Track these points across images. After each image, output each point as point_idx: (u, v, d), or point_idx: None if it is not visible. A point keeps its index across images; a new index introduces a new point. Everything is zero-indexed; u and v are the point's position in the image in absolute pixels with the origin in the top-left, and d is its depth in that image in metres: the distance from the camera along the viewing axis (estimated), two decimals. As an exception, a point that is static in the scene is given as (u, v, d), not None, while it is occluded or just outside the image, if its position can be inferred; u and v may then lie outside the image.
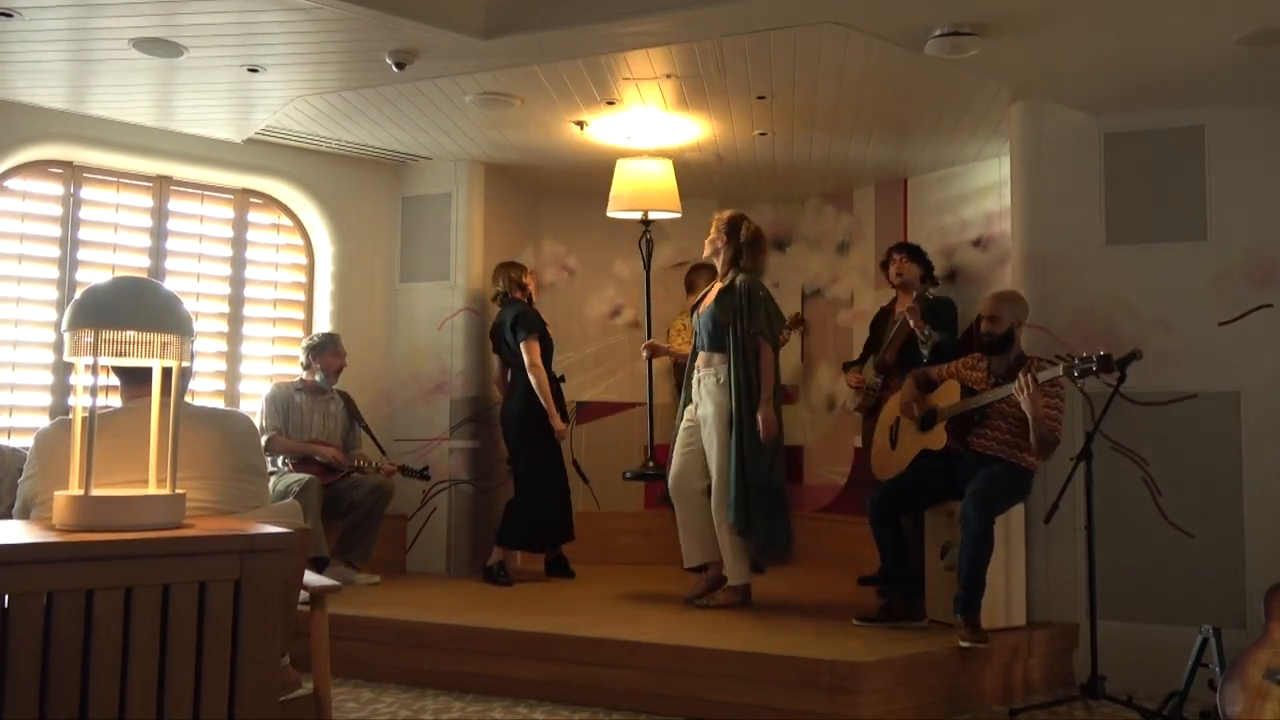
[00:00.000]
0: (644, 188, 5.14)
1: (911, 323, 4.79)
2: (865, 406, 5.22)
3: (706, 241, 4.68)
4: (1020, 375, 3.75)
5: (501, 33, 3.77)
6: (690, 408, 4.66)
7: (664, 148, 5.21)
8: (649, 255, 5.32)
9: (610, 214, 5.28)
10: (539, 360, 5.14)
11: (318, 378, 5.13)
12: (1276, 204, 4.12)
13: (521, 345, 5.12)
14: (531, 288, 5.35)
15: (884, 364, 5.08)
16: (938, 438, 4.07)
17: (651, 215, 5.27)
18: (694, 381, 4.64)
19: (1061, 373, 3.69)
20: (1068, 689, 4.00)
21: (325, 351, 5.15)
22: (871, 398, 5.14)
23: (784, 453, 4.60)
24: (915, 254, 5.10)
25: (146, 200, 5.13)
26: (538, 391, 5.10)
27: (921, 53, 3.74)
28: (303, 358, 5.20)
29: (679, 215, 5.30)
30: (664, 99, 4.49)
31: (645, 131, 4.96)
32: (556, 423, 5.12)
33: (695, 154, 5.35)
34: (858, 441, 5.78)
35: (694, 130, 4.95)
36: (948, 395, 4.12)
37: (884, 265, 5.21)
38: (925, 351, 4.74)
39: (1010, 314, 4.03)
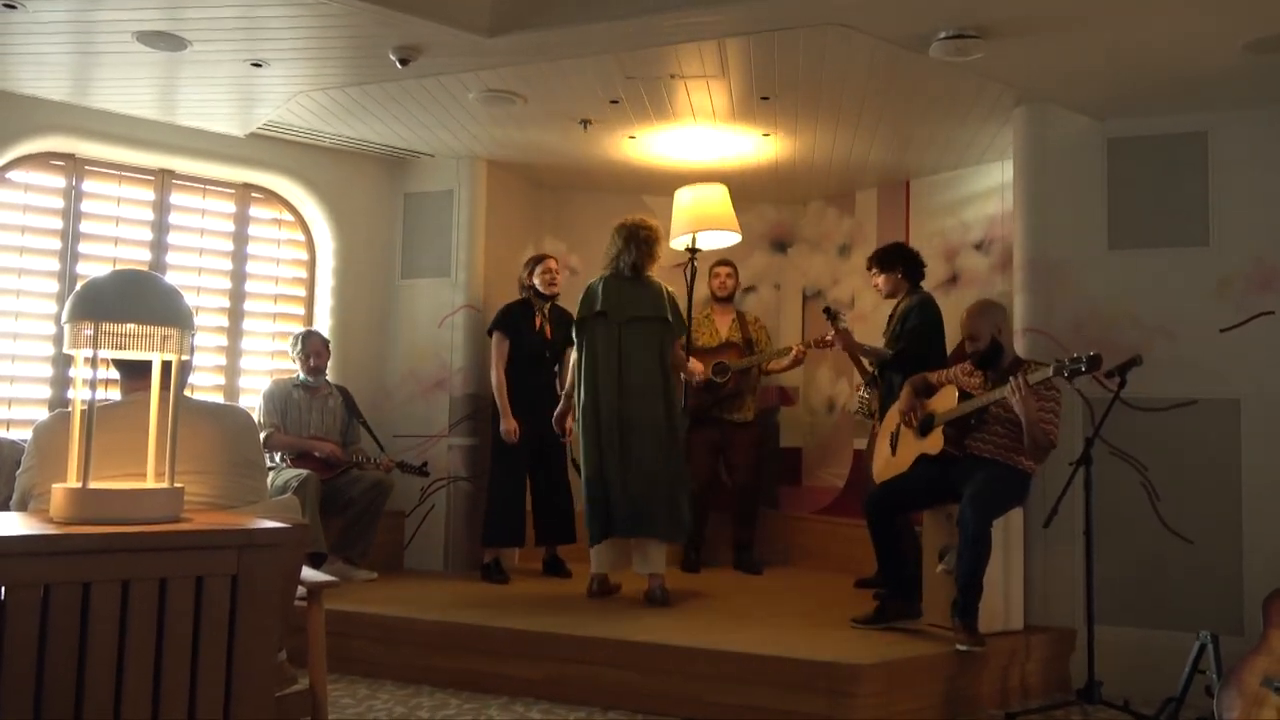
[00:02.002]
0: (702, 212, 5.15)
1: (840, 345, 4.98)
2: (863, 410, 5.27)
3: None
4: (1013, 378, 3.75)
5: (506, 30, 3.76)
6: None
7: (666, 147, 5.23)
8: (692, 281, 5.28)
9: (672, 243, 5.28)
10: (494, 359, 5.19)
11: (300, 376, 5.15)
12: (1279, 211, 4.12)
13: None
14: (538, 282, 5.24)
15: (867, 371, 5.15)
16: (934, 442, 4.07)
17: (708, 239, 5.29)
18: None
19: (1052, 373, 3.69)
20: (1064, 694, 4.00)
21: (293, 352, 5.18)
22: (864, 404, 5.19)
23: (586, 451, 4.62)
24: (884, 261, 5.02)
25: (148, 194, 5.13)
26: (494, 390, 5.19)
27: (925, 55, 3.73)
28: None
29: (739, 238, 5.33)
30: (667, 98, 4.49)
31: (648, 130, 4.96)
32: (504, 423, 5.12)
33: (698, 155, 5.34)
34: (858, 444, 5.78)
35: (697, 130, 4.95)
36: (945, 400, 4.13)
37: None
38: (873, 370, 4.94)
39: (987, 325, 4.02)
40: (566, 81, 4.31)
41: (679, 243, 5.26)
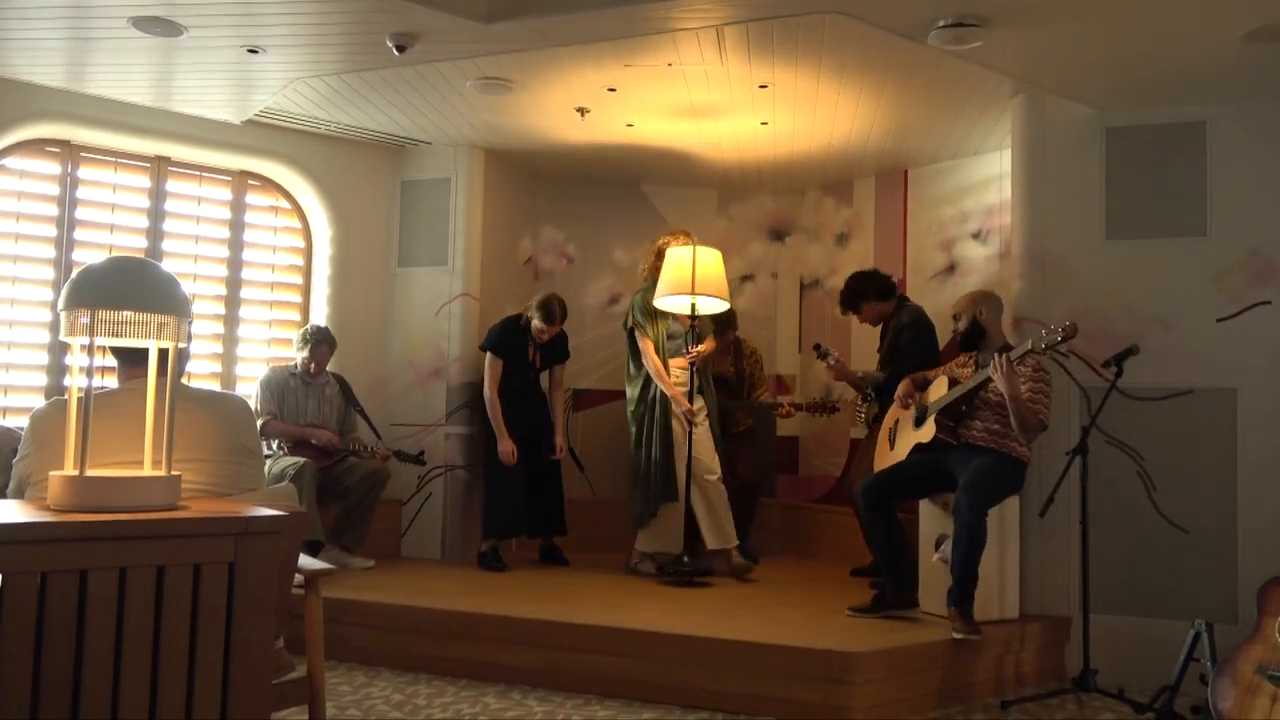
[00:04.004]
0: (691, 275, 5.01)
1: (834, 378, 5.12)
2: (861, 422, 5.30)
3: None
4: (995, 357, 3.80)
5: (503, 17, 3.75)
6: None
7: (664, 135, 5.21)
8: (690, 342, 5.25)
9: (656, 301, 5.13)
10: (488, 379, 5.22)
11: (298, 370, 5.14)
12: (1277, 201, 4.12)
13: None
14: (534, 330, 5.20)
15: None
16: (927, 431, 4.10)
17: (703, 304, 5.19)
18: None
19: (1030, 347, 3.70)
20: (1060, 682, 4.02)
21: (299, 349, 5.14)
22: (861, 417, 5.20)
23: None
24: (853, 300, 5.06)
25: (144, 181, 5.11)
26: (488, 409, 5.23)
27: (924, 44, 3.73)
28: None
29: (728, 305, 5.23)
30: (665, 87, 4.47)
31: (645, 118, 4.95)
32: (501, 445, 5.15)
33: (696, 143, 5.34)
34: (854, 433, 5.78)
35: (695, 120, 4.93)
36: (936, 390, 4.17)
37: None
38: (870, 392, 4.97)
39: (971, 306, 4.10)
40: (564, 69, 4.30)
41: (668, 303, 5.09)
